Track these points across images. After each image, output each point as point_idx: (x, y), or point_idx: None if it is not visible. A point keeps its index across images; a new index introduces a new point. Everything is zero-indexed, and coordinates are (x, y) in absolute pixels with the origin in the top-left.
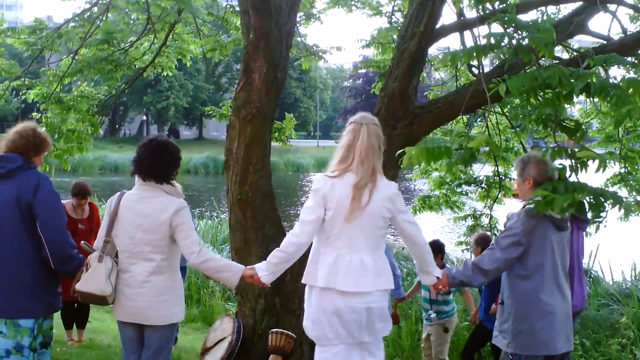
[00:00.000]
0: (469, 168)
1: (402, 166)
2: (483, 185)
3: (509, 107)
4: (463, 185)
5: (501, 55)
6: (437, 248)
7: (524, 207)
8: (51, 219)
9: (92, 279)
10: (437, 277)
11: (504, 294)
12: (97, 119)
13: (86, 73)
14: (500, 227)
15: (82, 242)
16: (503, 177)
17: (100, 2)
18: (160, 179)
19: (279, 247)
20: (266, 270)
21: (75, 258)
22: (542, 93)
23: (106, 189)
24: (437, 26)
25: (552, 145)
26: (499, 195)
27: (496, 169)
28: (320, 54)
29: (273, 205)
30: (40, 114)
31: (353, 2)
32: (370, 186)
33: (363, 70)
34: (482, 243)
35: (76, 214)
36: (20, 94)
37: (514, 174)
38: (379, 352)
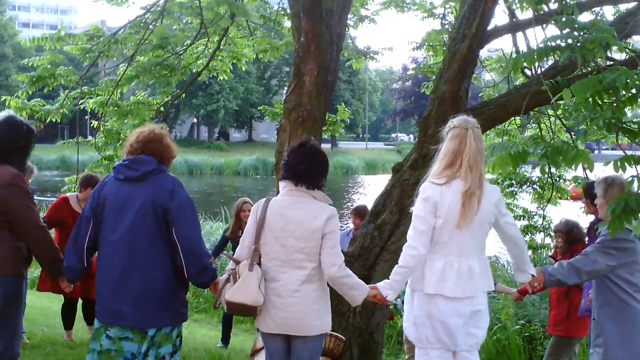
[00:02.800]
0: (522, 170)
1: None
2: (536, 186)
3: (562, 108)
4: (516, 186)
5: (556, 57)
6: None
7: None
8: (189, 229)
9: (244, 289)
10: (532, 275)
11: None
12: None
13: (142, 79)
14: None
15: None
16: (557, 179)
17: (154, 7)
18: (312, 185)
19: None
20: (391, 289)
21: (210, 269)
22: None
23: None
24: (489, 27)
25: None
26: (554, 196)
27: (549, 170)
28: (371, 55)
29: None
30: (98, 121)
31: (406, 4)
32: (478, 193)
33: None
34: (358, 214)
35: (81, 207)
36: (80, 102)
37: (568, 174)
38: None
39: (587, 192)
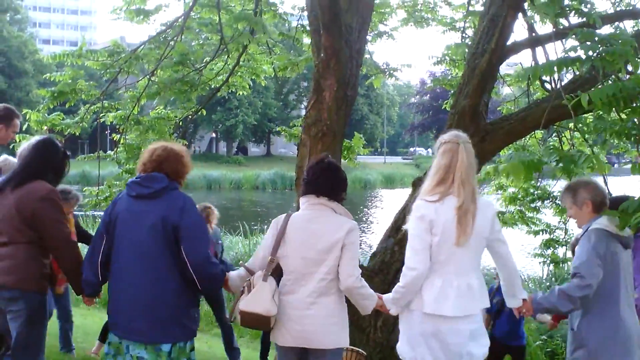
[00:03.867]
0: (543, 183)
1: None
2: (558, 201)
3: (582, 122)
4: (537, 201)
5: (577, 70)
6: None
7: (585, 230)
8: (197, 244)
9: (257, 299)
10: (524, 300)
11: (573, 319)
12: (174, 139)
13: (163, 94)
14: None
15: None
16: None
17: (174, 24)
18: (333, 198)
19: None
20: (393, 304)
21: (219, 274)
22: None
23: None
24: (509, 42)
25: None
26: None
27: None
28: (390, 71)
29: None
30: (118, 135)
31: (425, 19)
32: (472, 208)
33: (430, 85)
34: None
35: None
36: (100, 116)
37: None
38: None
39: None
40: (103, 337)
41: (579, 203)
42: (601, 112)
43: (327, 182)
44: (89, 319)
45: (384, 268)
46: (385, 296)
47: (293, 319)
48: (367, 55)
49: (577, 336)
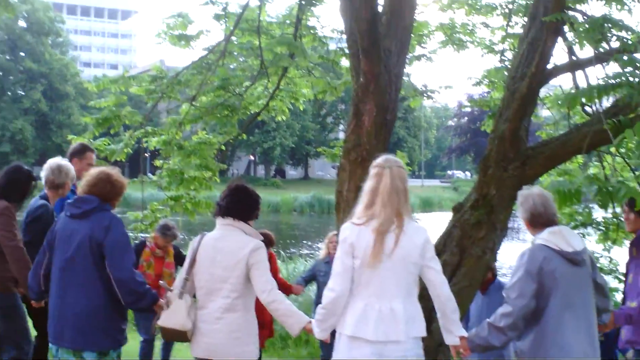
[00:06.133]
0: (586, 209)
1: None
2: (602, 227)
3: (625, 147)
4: (580, 227)
5: (616, 95)
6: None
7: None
8: (119, 260)
9: (173, 315)
10: (462, 337)
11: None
12: (216, 164)
13: (204, 119)
14: (622, 269)
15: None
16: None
17: (215, 48)
18: (238, 218)
19: None
20: (317, 327)
21: (146, 295)
22: None
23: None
24: (549, 66)
25: None
26: (619, 237)
27: (614, 210)
28: (428, 93)
29: None
30: (160, 160)
31: (464, 42)
32: (396, 231)
33: (468, 109)
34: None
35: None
36: (143, 141)
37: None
38: None
39: (630, 205)
40: None
41: (523, 213)
42: None
43: (234, 204)
44: None
45: (426, 294)
46: (313, 320)
47: (203, 332)
48: (405, 77)
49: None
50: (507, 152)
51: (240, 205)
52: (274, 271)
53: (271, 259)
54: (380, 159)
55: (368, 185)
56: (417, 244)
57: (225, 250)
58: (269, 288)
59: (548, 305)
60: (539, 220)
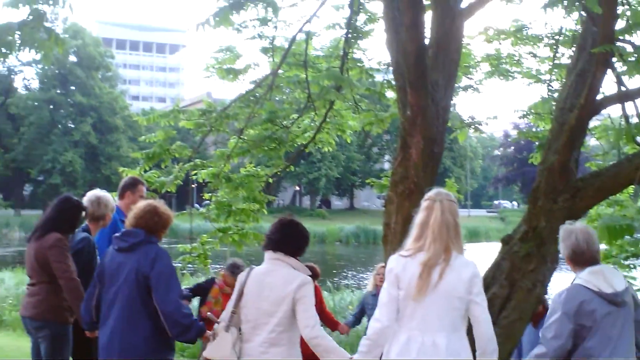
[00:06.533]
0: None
1: None
2: None
3: None
4: (631, 258)
5: None
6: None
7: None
8: (165, 292)
9: (219, 348)
10: None
11: None
12: (264, 197)
13: (252, 152)
14: None
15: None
16: None
17: (263, 82)
18: (289, 253)
19: None
20: (360, 358)
21: (192, 327)
22: None
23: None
24: (598, 97)
25: None
26: None
27: None
28: (475, 124)
29: None
30: (209, 193)
31: (510, 72)
32: (442, 265)
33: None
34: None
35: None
36: (192, 174)
37: None
38: None
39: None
40: None
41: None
42: None
43: (284, 238)
44: None
45: None
46: (355, 356)
47: None
48: (451, 108)
49: None
50: (556, 184)
51: (290, 240)
52: (320, 303)
53: (316, 292)
54: (432, 192)
55: (418, 218)
56: (464, 278)
57: (272, 285)
58: (312, 324)
59: (587, 345)
60: (581, 258)
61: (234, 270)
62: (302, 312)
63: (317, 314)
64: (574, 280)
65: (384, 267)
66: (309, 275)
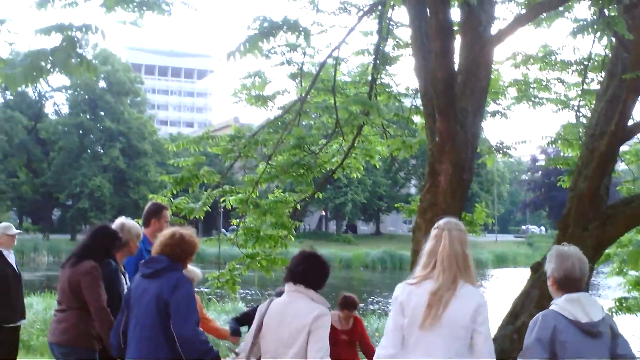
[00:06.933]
0: None
1: (594, 266)
2: None
3: None
4: None
5: None
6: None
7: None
8: (183, 318)
9: None
10: None
11: None
12: (291, 222)
13: (280, 178)
14: None
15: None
16: None
17: (291, 108)
18: (309, 285)
19: None
20: None
21: (208, 353)
22: None
23: None
24: (629, 123)
25: None
26: None
27: None
28: (504, 150)
29: None
30: (238, 219)
31: (540, 98)
32: (448, 294)
33: (542, 163)
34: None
35: (341, 325)
36: (221, 200)
37: None
38: None
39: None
40: None
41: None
42: None
43: (305, 271)
44: None
45: (504, 357)
46: None
47: None
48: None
49: None
50: (586, 211)
51: (312, 273)
52: (362, 336)
53: (358, 325)
54: (441, 221)
55: (427, 247)
56: (469, 308)
57: (291, 317)
58: (319, 356)
59: None
60: (571, 285)
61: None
62: (312, 343)
63: (328, 346)
64: (549, 305)
65: None
66: (349, 305)
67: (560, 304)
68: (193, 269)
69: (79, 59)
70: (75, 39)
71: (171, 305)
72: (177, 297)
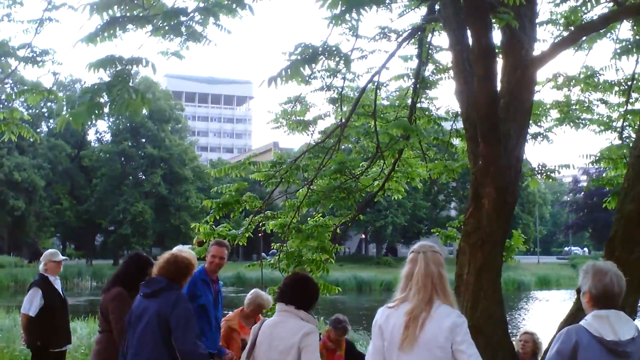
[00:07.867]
0: None
1: None
2: None
3: None
4: None
5: None
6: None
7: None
8: (183, 333)
9: None
10: None
11: None
12: (332, 246)
13: (323, 202)
14: None
15: None
16: None
17: (332, 133)
18: (299, 306)
19: None
20: None
21: None
22: None
23: (328, 307)
24: None
25: None
26: None
27: None
28: (547, 173)
29: (505, 332)
30: (278, 243)
31: (582, 119)
32: (423, 315)
33: (584, 183)
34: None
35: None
36: (262, 225)
37: None
38: None
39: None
40: None
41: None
42: None
43: (296, 292)
44: None
45: None
46: None
47: None
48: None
49: None
50: (634, 234)
51: (303, 295)
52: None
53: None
54: (416, 245)
55: (404, 271)
56: (444, 327)
57: (280, 336)
58: None
59: None
60: (608, 301)
61: (337, 325)
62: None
63: None
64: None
65: (527, 333)
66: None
67: (588, 319)
68: (267, 297)
69: (133, 93)
70: (129, 73)
71: (172, 321)
72: (177, 313)
